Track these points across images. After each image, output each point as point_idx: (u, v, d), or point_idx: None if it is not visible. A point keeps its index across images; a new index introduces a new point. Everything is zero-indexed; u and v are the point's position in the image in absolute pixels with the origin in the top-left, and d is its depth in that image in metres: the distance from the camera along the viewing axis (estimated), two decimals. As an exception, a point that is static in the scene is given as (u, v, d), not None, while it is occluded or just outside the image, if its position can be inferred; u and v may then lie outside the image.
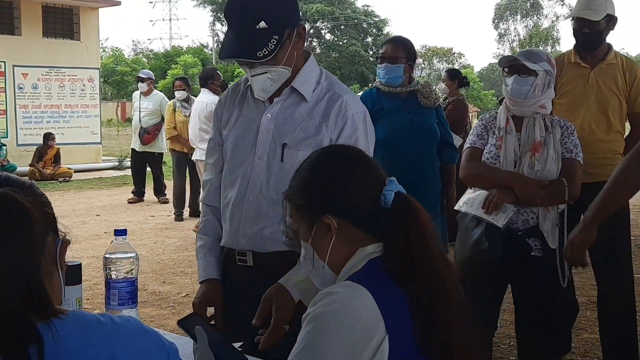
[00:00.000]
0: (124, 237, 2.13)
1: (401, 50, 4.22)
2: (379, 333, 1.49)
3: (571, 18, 4.06)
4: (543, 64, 3.19)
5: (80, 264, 2.08)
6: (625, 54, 4.66)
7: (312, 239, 1.69)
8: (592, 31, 3.95)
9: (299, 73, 2.28)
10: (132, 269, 2.12)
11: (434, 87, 5.18)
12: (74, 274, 2.05)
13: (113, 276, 2.11)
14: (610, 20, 3.94)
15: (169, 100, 11.20)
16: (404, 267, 1.56)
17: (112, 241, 2.13)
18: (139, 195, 11.21)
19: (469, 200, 3.20)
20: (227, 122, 2.38)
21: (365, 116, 2.31)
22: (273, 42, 2.13)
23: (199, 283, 2.38)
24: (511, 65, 3.23)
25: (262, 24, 2.12)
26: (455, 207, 3.30)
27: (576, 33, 4.02)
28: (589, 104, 3.92)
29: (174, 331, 4.94)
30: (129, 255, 2.12)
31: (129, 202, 11.06)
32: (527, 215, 3.16)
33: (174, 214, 9.60)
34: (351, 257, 1.65)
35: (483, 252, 3.15)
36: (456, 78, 7.75)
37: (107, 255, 2.11)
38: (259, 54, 2.12)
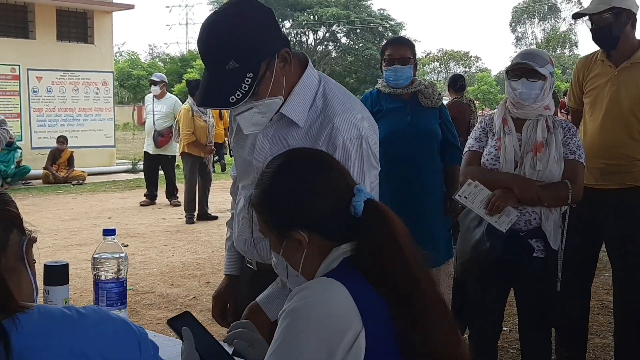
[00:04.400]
0: (113, 237, 2.10)
1: (408, 51, 4.18)
2: (355, 326, 1.47)
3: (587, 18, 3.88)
4: (548, 66, 3.16)
5: (67, 264, 2.04)
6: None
7: (283, 251, 1.67)
8: (600, 26, 3.76)
9: (289, 97, 2.02)
10: (121, 270, 2.09)
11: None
12: (61, 274, 2.01)
13: (102, 277, 2.08)
14: (621, 15, 3.71)
15: (182, 102, 11.23)
16: (377, 271, 1.54)
17: (101, 242, 2.10)
18: (151, 198, 11.22)
19: (470, 195, 3.14)
20: (233, 130, 2.31)
21: (362, 141, 2.00)
22: (247, 81, 1.89)
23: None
24: (517, 68, 3.17)
25: (232, 63, 1.88)
26: (454, 197, 3.24)
27: (591, 32, 3.85)
28: (608, 105, 3.73)
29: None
30: (117, 255, 2.09)
31: (141, 205, 11.08)
32: (530, 215, 3.12)
33: (185, 217, 9.59)
34: (325, 258, 1.62)
35: (484, 252, 3.11)
36: (450, 82, 8.06)
37: (95, 256, 2.08)
38: (232, 98, 1.90)
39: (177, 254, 7.64)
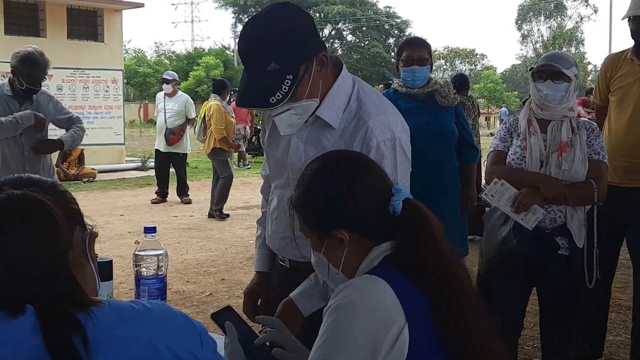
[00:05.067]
0: (153, 234, 2.17)
1: (425, 52, 4.23)
2: (399, 321, 1.52)
3: (628, 19, 3.85)
4: (573, 68, 3.23)
5: (111, 261, 2.12)
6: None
7: (324, 250, 1.72)
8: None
9: (325, 99, 2.09)
10: (162, 266, 2.16)
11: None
12: (106, 270, 2.09)
13: (143, 273, 2.15)
14: None
15: (193, 100, 11.35)
16: (418, 268, 1.60)
17: (142, 239, 2.17)
18: (162, 195, 11.29)
19: (496, 194, 3.19)
20: (265, 130, 2.37)
21: (395, 143, 2.08)
22: (287, 82, 1.94)
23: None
24: (543, 70, 3.23)
25: (273, 65, 1.94)
26: (481, 195, 3.31)
27: (634, 34, 3.82)
28: (636, 103, 3.77)
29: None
30: (158, 252, 2.17)
31: (152, 203, 11.14)
32: (555, 214, 3.18)
33: (215, 211, 9.76)
34: (365, 257, 1.68)
35: (511, 249, 3.18)
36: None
37: (137, 253, 2.16)
38: (272, 99, 1.95)
39: (191, 251, 7.71)
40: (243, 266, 6.88)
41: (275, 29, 1.96)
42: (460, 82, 8.74)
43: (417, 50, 4.21)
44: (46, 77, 4.97)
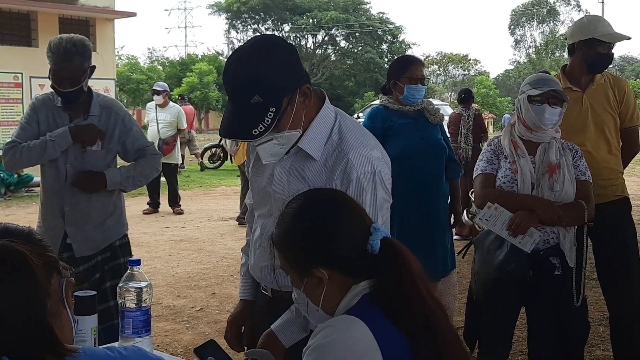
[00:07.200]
0: (138, 267, 2.18)
1: (424, 71, 4.35)
2: None
3: (598, 41, 3.85)
4: (564, 94, 3.31)
5: (94, 295, 2.13)
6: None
7: (304, 288, 1.75)
8: (611, 52, 3.93)
9: (307, 131, 2.11)
10: (146, 298, 2.18)
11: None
12: (89, 304, 2.10)
13: (127, 305, 2.16)
14: None
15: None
16: (395, 307, 1.63)
17: (127, 271, 2.18)
18: (154, 206, 11.29)
19: (491, 218, 3.20)
20: (250, 160, 2.38)
21: (375, 176, 2.08)
22: (270, 115, 1.97)
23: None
24: (543, 94, 3.25)
25: (257, 98, 1.97)
26: (476, 221, 3.34)
27: (600, 55, 3.89)
28: (587, 128, 3.89)
29: (188, 345, 5.01)
30: (142, 284, 2.18)
31: (144, 213, 11.13)
32: (548, 235, 3.23)
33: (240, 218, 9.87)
34: (345, 295, 1.70)
35: (510, 272, 3.21)
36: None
37: (121, 285, 2.17)
38: (255, 131, 1.98)
39: (182, 264, 7.70)
40: (234, 280, 6.87)
41: (260, 63, 1.99)
42: (467, 95, 9.68)
43: (420, 69, 4.31)
44: (84, 72, 3.53)
